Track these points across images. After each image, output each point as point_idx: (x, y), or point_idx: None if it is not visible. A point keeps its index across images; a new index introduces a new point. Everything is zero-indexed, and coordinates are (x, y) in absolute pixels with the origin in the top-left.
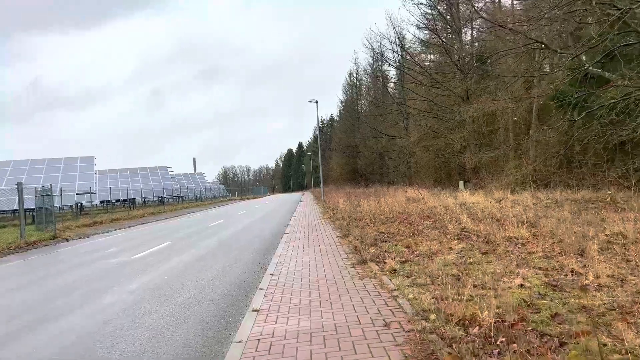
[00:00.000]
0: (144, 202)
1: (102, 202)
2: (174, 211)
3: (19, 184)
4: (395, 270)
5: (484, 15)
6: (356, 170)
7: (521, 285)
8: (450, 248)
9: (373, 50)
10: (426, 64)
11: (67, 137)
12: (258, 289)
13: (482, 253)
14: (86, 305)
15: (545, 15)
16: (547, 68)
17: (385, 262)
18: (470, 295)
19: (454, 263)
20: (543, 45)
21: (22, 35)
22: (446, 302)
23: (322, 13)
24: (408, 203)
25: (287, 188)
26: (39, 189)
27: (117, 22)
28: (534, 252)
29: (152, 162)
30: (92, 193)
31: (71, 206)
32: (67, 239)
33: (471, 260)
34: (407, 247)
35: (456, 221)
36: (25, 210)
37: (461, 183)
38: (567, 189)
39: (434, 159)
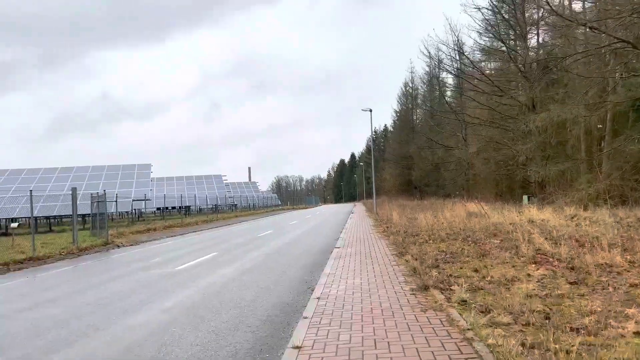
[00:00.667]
0: (200, 209)
1: (158, 209)
2: (226, 219)
3: (73, 190)
4: (465, 301)
5: (560, 13)
6: (410, 182)
7: (637, 333)
8: (528, 274)
9: (430, 57)
10: (487, 72)
11: (129, 147)
12: (302, 316)
13: (570, 283)
14: (113, 325)
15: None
16: (618, 75)
17: (451, 290)
18: (570, 345)
19: (536, 294)
20: (630, 46)
21: (93, 51)
22: (540, 352)
23: (376, 23)
24: (469, 218)
25: (338, 198)
26: (94, 195)
27: (177, 37)
28: (637, 285)
29: (208, 171)
30: (147, 200)
31: (127, 212)
32: (118, 246)
33: (558, 292)
34: (476, 271)
35: (529, 241)
36: (83, 215)
37: (525, 197)
38: None
39: (495, 172)
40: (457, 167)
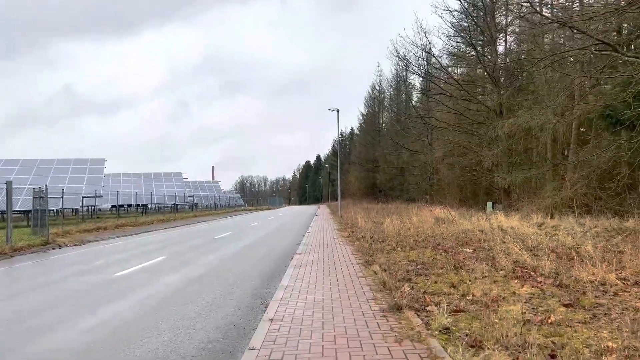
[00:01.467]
0: (158, 208)
1: (114, 206)
2: (185, 219)
3: (8, 183)
4: (447, 328)
5: (539, 11)
6: (375, 185)
7: None
8: (514, 292)
9: (399, 57)
10: (455, 76)
11: (92, 143)
12: (248, 348)
13: (564, 305)
14: (8, 354)
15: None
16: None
17: (428, 311)
18: None
19: (528, 320)
20: (610, 49)
21: (59, 42)
22: None
23: (347, 29)
24: (437, 224)
25: (303, 200)
26: (36, 190)
27: (150, 33)
28: None
29: (172, 170)
30: (97, 197)
31: (76, 209)
32: (60, 246)
33: (554, 317)
34: (453, 286)
35: (505, 252)
36: (26, 212)
37: (489, 204)
38: (615, 216)
39: (460, 177)
40: (422, 172)
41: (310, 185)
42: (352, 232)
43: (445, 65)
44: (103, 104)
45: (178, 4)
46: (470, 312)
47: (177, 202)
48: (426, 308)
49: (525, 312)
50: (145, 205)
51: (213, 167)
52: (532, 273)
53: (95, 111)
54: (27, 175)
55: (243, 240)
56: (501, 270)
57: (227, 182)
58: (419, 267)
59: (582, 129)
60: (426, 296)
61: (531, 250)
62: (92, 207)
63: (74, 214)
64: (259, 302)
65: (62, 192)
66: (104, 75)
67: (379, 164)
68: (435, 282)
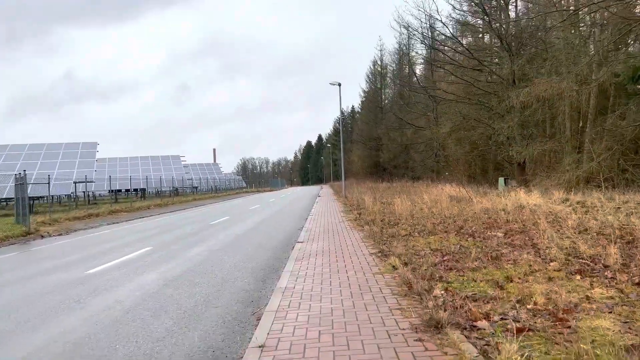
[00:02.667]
0: (158, 192)
1: (111, 191)
2: (183, 203)
3: None
4: None
5: None
6: (378, 164)
7: None
8: (587, 297)
9: (403, 26)
10: (460, 48)
11: (94, 128)
12: None
13: None
14: None
15: None
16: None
17: (478, 329)
18: None
19: (632, 346)
20: None
21: (61, 28)
22: None
23: (346, 7)
24: (452, 203)
25: (305, 181)
26: (18, 176)
27: (151, 17)
28: None
29: (175, 153)
30: (89, 182)
31: (68, 196)
32: (42, 236)
33: None
34: (500, 287)
35: (546, 236)
36: (9, 200)
37: (501, 180)
38: None
39: (469, 153)
40: (428, 149)
41: (312, 165)
42: (360, 214)
43: (451, 34)
44: (104, 89)
45: None
46: (539, 330)
47: (176, 186)
48: (475, 324)
49: (619, 331)
50: (143, 190)
51: (214, 150)
52: (593, 265)
53: (97, 96)
54: (15, 161)
55: (240, 226)
56: (551, 261)
57: (229, 165)
58: (446, 258)
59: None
60: (469, 304)
61: (578, 233)
62: (88, 193)
63: (69, 200)
64: (249, 311)
65: (49, 178)
66: (104, 60)
67: (382, 142)
68: (474, 281)
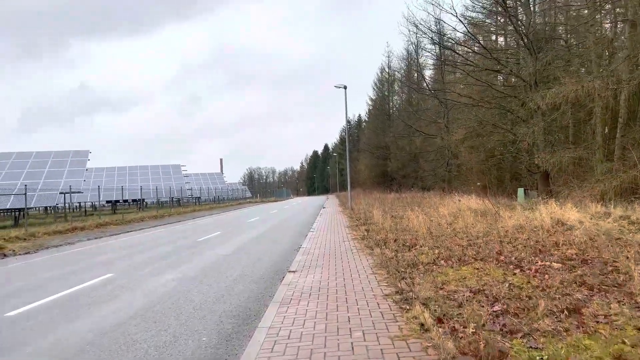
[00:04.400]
0: (159, 202)
1: (109, 202)
2: (181, 214)
3: None
4: None
5: None
6: (386, 173)
7: None
8: None
9: (410, 23)
10: (475, 48)
11: (104, 139)
12: None
13: None
14: None
15: None
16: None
17: None
18: None
19: None
20: None
21: (79, 41)
22: None
23: (355, 19)
24: (475, 218)
25: (311, 191)
26: None
27: (165, 31)
28: None
29: (182, 162)
30: (74, 192)
31: (54, 207)
32: (5, 254)
33: None
34: None
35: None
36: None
37: (520, 191)
38: None
39: (484, 161)
40: (439, 157)
41: (319, 175)
42: (368, 231)
43: (468, 31)
44: (116, 100)
45: (189, 1)
46: None
47: (175, 196)
48: None
49: None
50: (142, 200)
51: (221, 160)
52: None
53: (109, 107)
54: (0, 171)
55: (228, 245)
56: None
57: (236, 175)
58: (497, 308)
59: None
60: None
61: None
62: (81, 204)
63: (55, 212)
64: None
65: (25, 189)
66: (118, 72)
67: (390, 151)
68: None
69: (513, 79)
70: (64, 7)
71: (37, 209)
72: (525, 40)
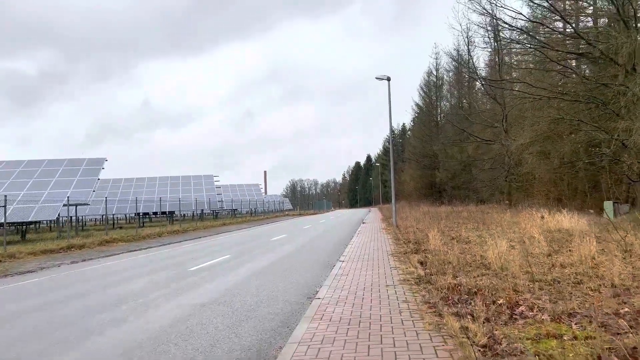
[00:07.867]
0: (193, 214)
1: (137, 214)
2: (207, 229)
3: None
4: None
5: None
6: (434, 184)
7: None
8: None
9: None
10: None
11: (162, 154)
12: None
13: None
14: None
15: None
16: None
17: None
18: None
19: None
20: None
21: (145, 61)
22: None
23: (407, 41)
24: (592, 244)
25: (353, 203)
26: None
27: (226, 49)
28: None
29: (230, 175)
30: (78, 205)
31: (55, 221)
32: None
33: None
34: None
35: None
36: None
37: (608, 204)
38: None
39: (557, 169)
40: (497, 165)
41: (361, 187)
42: (423, 264)
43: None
44: (174, 116)
45: (250, 22)
46: None
47: (205, 209)
48: None
49: None
50: (172, 213)
51: (265, 172)
52: None
53: (169, 123)
54: (4, 180)
55: (236, 273)
56: None
57: (280, 186)
58: None
59: None
60: None
61: None
62: (127, 217)
63: (58, 225)
64: None
65: (5, 200)
66: (177, 89)
67: (438, 160)
68: None
69: (600, 63)
70: (132, 32)
71: (46, 222)
72: (621, 10)
